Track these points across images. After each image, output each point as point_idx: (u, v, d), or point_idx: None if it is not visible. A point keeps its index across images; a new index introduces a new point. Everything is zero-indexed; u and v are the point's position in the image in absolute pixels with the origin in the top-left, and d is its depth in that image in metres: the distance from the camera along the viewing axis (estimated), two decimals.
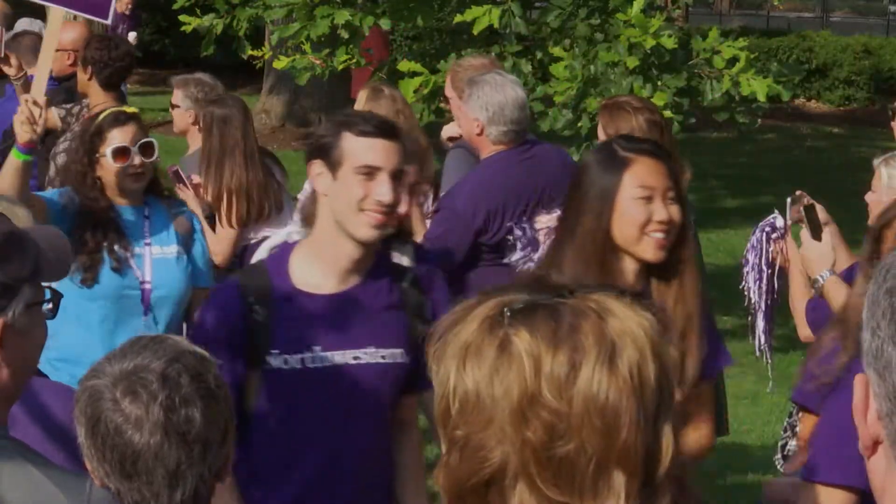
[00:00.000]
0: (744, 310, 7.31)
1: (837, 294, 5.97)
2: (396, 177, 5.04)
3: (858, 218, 7.01)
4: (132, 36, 21.52)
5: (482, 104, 7.37)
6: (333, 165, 5.02)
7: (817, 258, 6.13)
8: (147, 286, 6.75)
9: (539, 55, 11.69)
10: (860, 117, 29.34)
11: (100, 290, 6.66)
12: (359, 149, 4.98)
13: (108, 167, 6.67)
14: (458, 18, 11.54)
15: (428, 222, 7.48)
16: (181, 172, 8.25)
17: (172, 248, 6.92)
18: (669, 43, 11.22)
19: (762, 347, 7.07)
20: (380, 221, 5.01)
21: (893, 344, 1.67)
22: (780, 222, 6.83)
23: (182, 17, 12.60)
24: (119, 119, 6.75)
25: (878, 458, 1.74)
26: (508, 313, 2.31)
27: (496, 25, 11.29)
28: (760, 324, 6.99)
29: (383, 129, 5.11)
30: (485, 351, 2.28)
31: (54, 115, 8.70)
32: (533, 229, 7.22)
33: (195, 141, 8.38)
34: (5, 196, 5.08)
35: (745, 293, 6.99)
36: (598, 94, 11.30)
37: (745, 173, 22.19)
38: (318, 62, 12.20)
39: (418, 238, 7.14)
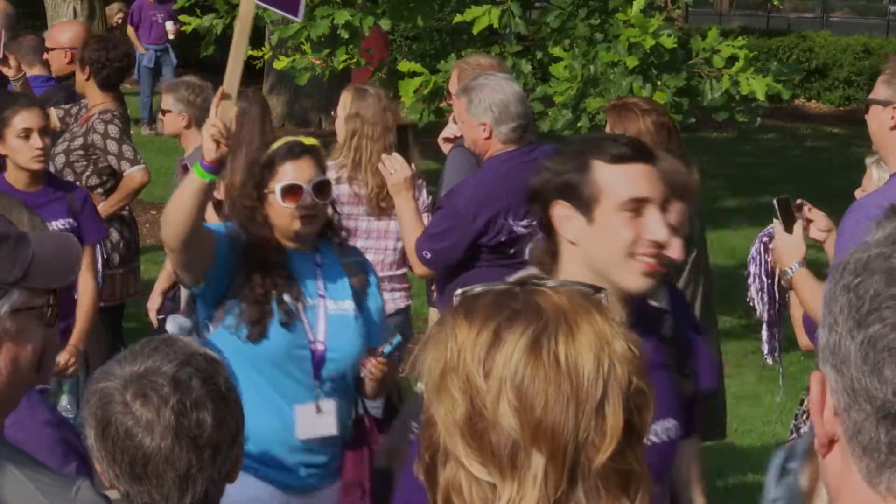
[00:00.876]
0: (744, 310, 7.33)
1: (804, 287, 5.99)
2: (664, 208, 4.10)
3: None
4: (171, 26, 21.56)
5: (486, 106, 7.33)
6: (586, 205, 4.03)
7: (788, 250, 6.13)
8: (319, 347, 5.80)
9: (539, 55, 11.71)
10: (860, 118, 29.12)
11: (266, 347, 5.75)
12: (618, 179, 4.02)
13: (277, 206, 5.76)
14: (457, 18, 11.56)
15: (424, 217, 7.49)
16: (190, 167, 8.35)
17: (348, 304, 5.96)
18: (669, 42, 11.25)
19: (768, 356, 7.07)
20: (653, 267, 4.02)
21: (851, 338, 1.68)
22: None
23: (182, 17, 12.65)
24: (293, 151, 5.82)
25: (834, 456, 1.76)
26: (458, 298, 2.40)
27: (496, 25, 11.31)
28: (765, 334, 6.99)
29: (640, 149, 4.19)
30: (434, 333, 2.36)
31: (53, 116, 8.73)
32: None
33: (190, 142, 8.38)
34: (10, 197, 5.01)
35: (750, 303, 7.01)
36: (598, 94, 11.32)
37: (745, 173, 22.19)
38: (318, 62, 12.22)
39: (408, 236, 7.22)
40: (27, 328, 3.02)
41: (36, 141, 7.47)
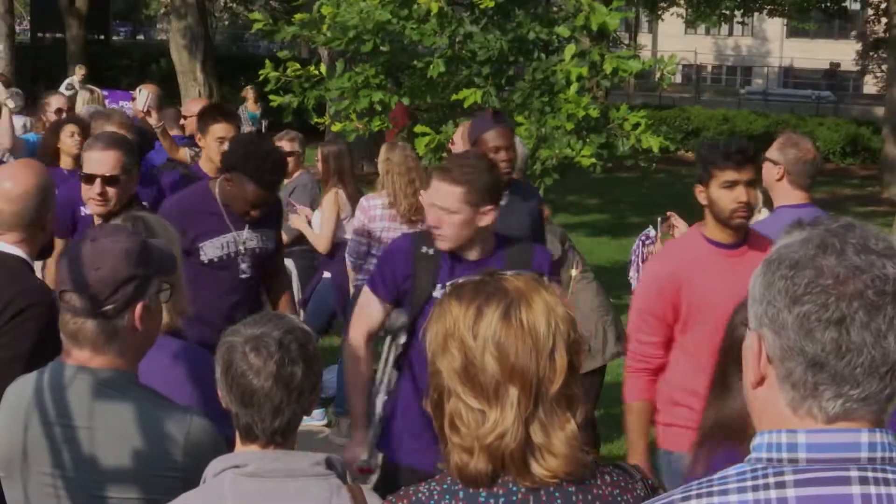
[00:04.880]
0: (626, 288, 7.36)
1: None
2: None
3: None
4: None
5: None
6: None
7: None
8: None
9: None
10: None
11: None
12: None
13: None
14: (454, 97, 11.55)
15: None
16: (292, 202, 8.44)
17: None
18: (595, 113, 11.25)
19: None
20: None
21: (788, 312, 1.67)
22: (652, 233, 6.87)
23: (271, 96, 12.63)
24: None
25: (762, 390, 1.75)
26: (448, 288, 2.44)
27: (479, 101, 11.31)
28: None
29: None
30: (435, 312, 2.38)
31: (185, 154, 8.69)
32: None
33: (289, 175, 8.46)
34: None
35: (630, 281, 7.03)
36: (547, 147, 11.33)
37: (645, 200, 22.16)
38: (360, 126, 12.22)
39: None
40: (159, 305, 3.05)
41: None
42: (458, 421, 2.32)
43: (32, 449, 2.96)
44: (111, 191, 5.44)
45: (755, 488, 1.67)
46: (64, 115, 9.42)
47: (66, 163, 7.86)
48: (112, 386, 2.94)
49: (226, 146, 6.62)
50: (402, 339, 4.96)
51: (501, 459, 2.29)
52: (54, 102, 9.94)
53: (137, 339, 2.99)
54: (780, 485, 1.66)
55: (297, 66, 12.41)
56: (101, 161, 5.44)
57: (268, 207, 5.82)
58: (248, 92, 21.67)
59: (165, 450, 2.90)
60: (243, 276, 5.78)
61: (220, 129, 6.88)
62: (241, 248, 5.77)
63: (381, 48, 11.64)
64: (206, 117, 7.04)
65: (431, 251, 4.68)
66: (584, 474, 2.34)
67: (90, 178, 5.43)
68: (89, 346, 2.96)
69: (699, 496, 1.70)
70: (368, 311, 4.84)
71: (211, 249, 5.72)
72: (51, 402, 2.96)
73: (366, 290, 4.89)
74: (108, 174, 5.42)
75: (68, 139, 7.93)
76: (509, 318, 2.30)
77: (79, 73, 19.51)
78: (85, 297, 2.93)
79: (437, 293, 4.58)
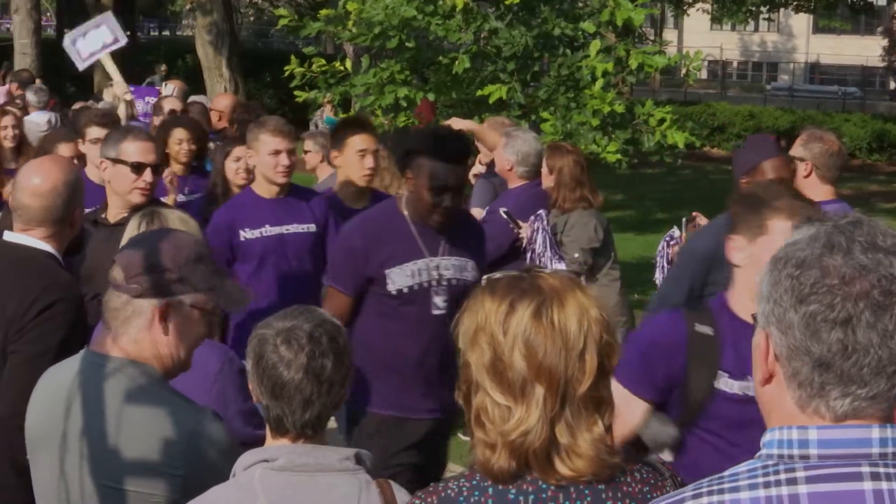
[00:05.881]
0: (652, 286, 7.37)
1: None
2: None
3: None
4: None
5: (514, 150, 7.30)
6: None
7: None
8: None
9: (533, 117, 11.67)
10: None
11: None
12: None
13: None
14: (479, 93, 11.52)
15: None
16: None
17: None
18: (620, 109, 11.20)
19: None
20: None
21: (794, 311, 1.67)
22: (676, 233, 6.85)
23: (296, 92, 12.64)
24: None
25: (770, 387, 1.74)
26: (484, 282, 2.42)
27: (504, 97, 11.28)
28: None
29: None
30: (468, 305, 2.38)
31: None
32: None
33: (322, 173, 8.26)
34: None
35: (656, 282, 7.04)
36: (572, 143, 11.30)
37: (670, 196, 22.11)
38: (386, 122, 12.21)
39: None
40: (197, 320, 3.04)
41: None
42: (483, 416, 2.31)
43: (71, 431, 2.98)
44: (154, 179, 5.43)
45: (767, 485, 1.66)
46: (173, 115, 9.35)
47: (176, 169, 7.70)
48: (114, 375, 2.95)
49: (368, 160, 6.40)
50: None
51: (525, 457, 2.29)
52: (167, 105, 9.75)
53: (160, 336, 2.98)
54: (792, 481, 1.65)
55: (323, 61, 12.40)
56: (145, 149, 5.38)
57: (463, 222, 5.23)
58: (327, 97, 21.78)
59: (168, 446, 2.89)
60: (436, 311, 5.01)
61: (359, 140, 6.44)
62: (435, 277, 5.03)
63: (407, 44, 11.61)
64: (344, 130, 6.60)
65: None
66: (612, 474, 2.33)
67: (140, 167, 5.34)
68: (112, 327, 2.99)
69: (710, 493, 1.69)
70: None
71: (400, 277, 4.99)
72: (88, 389, 2.97)
73: None
74: (153, 163, 5.39)
75: (176, 145, 7.85)
76: (540, 317, 2.30)
77: (160, 70, 19.51)
78: (113, 269, 2.98)
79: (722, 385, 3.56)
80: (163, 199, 7.28)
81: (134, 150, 5.34)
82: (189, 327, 3.03)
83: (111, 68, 10.42)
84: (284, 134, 6.17)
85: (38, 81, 15.28)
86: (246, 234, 6.06)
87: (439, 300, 5.01)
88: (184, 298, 2.98)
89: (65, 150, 7.15)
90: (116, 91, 10.01)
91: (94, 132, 7.02)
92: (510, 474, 2.29)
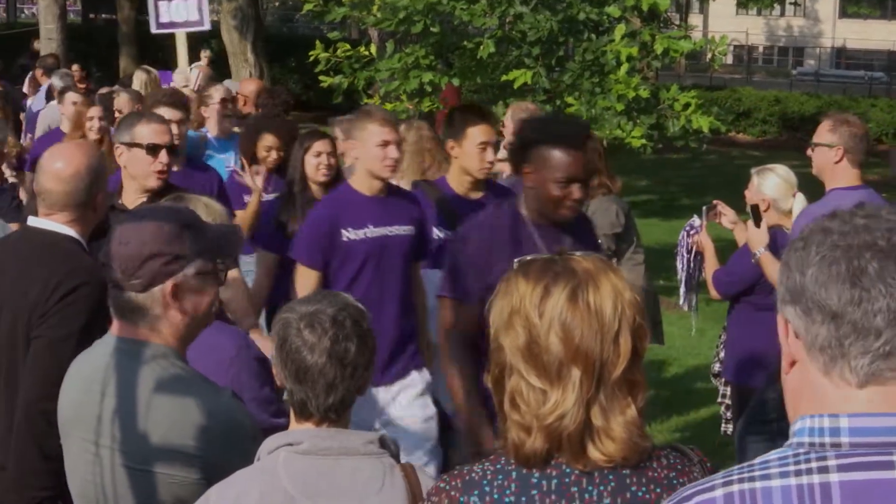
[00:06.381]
0: (673, 272, 7.37)
1: (769, 263, 5.96)
2: None
3: None
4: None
5: None
6: None
7: (756, 239, 6.10)
8: None
9: (558, 102, 11.65)
10: (772, 145, 29.17)
11: None
12: None
13: None
14: (504, 77, 11.50)
15: None
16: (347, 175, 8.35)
17: None
18: (645, 94, 11.16)
19: (684, 305, 7.12)
20: None
21: (802, 275, 1.68)
22: (697, 222, 6.84)
23: (321, 77, 12.63)
24: None
25: (795, 372, 1.73)
26: (516, 265, 2.41)
27: (529, 82, 11.25)
28: (683, 290, 7.01)
29: None
30: (501, 288, 2.37)
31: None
32: None
33: (348, 158, 8.21)
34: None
35: (677, 271, 7.06)
36: (597, 129, 11.26)
37: (695, 182, 22.07)
38: (411, 107, 12.19)
39: None
40: (205, 285, 3.02)
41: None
42: (518, 399, 2.31)
43: (105, 415, 2.98)
44: (171, 160, 5.37)
45: (798, 473, 1.64)
46: (229, 105, 9.03)
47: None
48: (144, 360, 2.94)
49: (489, 153, 6.00)
50: None
51: (559, 440, 2.29)
52: (216, 94, 9.03)
53: (176, 316, 2.98)
54: (823, 469, 1.63)
55: (347, 46, 12.40)
56: (160, 131, 5.31)
57: (580, 215, 4.93)
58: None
59: (202, 432, 2.89)
60: None
61: (479, 132, 6.04)
62: None
63: (432, 29, 11.59)
64: (462, 119, 6.13)
65: None
66: (640, 458, 2.32)
67: (155, 149, 5.28)
68: (124, 320, 2.98)
69: (741, 481, 1.67)
70: None
71: None
72: (122, 373, 2.97)
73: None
74: (168, 143, 5.32)
75: (264, 152, 7.57)
76: (576, 300, 2.29)
77: (204, 56, 19.44)
78: (113, 270, 2.94)
79: None
80: (245, 199, 7.19)
81: (148, 132, 5.28)
82: (202, 295, 3.02)
83: (182, 52, 10.20)
84: (393, 124, 5.77)
85: (74, 67, 15.09)
86: (349, 234, 5.69)
87: None
88: (186, 272, 2.97)
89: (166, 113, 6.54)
90: (175, 79, 9.78)
91: (165, 113, 6.70)
92: (542, 458, 2.30)
